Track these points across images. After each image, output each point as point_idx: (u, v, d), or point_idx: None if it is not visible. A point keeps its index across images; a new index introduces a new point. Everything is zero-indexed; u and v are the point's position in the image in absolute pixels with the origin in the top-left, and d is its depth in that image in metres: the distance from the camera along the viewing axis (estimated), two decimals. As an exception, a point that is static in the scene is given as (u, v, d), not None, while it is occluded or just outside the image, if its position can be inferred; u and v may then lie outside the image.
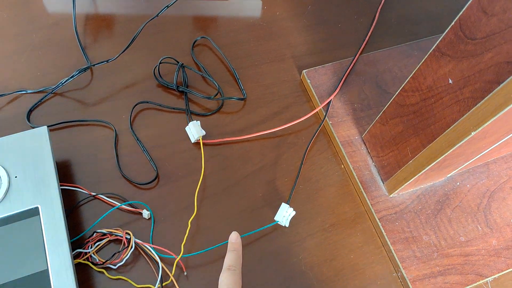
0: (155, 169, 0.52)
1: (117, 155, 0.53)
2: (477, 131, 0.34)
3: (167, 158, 0.53)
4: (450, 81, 0.35)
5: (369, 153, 0.53)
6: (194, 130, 0.53)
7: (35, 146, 0.48)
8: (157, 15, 0.57)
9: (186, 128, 0.54)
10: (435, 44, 0.36)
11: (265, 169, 0.53)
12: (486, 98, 0.32)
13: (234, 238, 0.42)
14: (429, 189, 0.51)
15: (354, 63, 0.59)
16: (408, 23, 0.66)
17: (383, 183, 0.51)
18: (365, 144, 0.54)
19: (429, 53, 0.37)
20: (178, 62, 0.57)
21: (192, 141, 0.54)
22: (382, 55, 0.60)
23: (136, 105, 0.56)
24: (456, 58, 0.34)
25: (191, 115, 0.56)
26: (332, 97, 0.56)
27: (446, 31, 0.34)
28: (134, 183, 0.51)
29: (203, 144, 0.54)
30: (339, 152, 0.54)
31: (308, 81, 0.58)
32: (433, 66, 0.37)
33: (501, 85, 0.30)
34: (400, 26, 0.66)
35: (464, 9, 0.32)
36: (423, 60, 0.38)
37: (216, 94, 0.57)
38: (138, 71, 0.59)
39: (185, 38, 0.62)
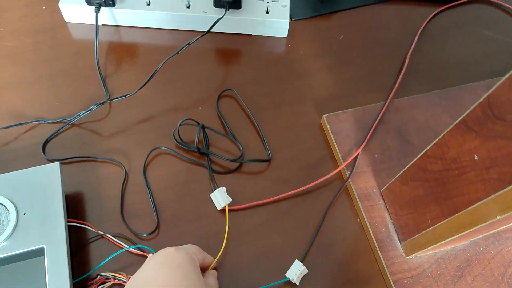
0: (156, 220, 0.50)
1: (122, 197, 0.52)
2: (504, 215, 0.31)
3: (176, 200, 0.52)
4: (476, 158, 0.33)
5: (387, 209, 0.51)
6: (220, 198, 0.51)
7: (46, 182, 0.47)
8: (177, 53, 0.57)
9: (211, 195, 0.52)
10: (462, 117, 0.34)
11: (279, 218, 0.52)
12: (515, 185, 0.29)
13: None
14: (449, 253, 0.48)
15: (380, 111, 0.57)
16: (437, 68, 0.63)
17: (400, 243, 0.49)
18: (383, 199, 0.51)
19: (454, 124, 0.35)
20: (198, 124, 0.55)
21: (218, 209, 0.51)
22: (408, 102, 0.58)
23: (153, 150, 0.55)
24: (483, 135, 0.32)
25: (213, 175, 0.54)
26: (357, 152, 0.53)
27: (474, 106, 0.32)
28: (134, 233, 0.50)
29: (230, 210, 0.51)
30: (356, 204, 0.52)
31: (328, 126, 0.56)
32: (458, 138, 0.35)
33: (532, 176, 0.28)
34: (428, 72, 0.63)
35: (494, 87, 0.30)
36: (447, 130, 0.36)
37: (240, 157, 0.55)
38: (156, 107, 0.58)
39: (206, 74, 0.61)
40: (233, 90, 0.60)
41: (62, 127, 0.56)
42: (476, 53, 0.65)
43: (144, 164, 0.54)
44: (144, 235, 0.50)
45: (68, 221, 0.49)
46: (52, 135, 0.55)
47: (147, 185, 0.53)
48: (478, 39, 0.67)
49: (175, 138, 0.55)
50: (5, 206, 0.45)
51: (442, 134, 0.37)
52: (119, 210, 0.51)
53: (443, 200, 0.38)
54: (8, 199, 0.46)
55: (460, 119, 0.34)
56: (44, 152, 0.54)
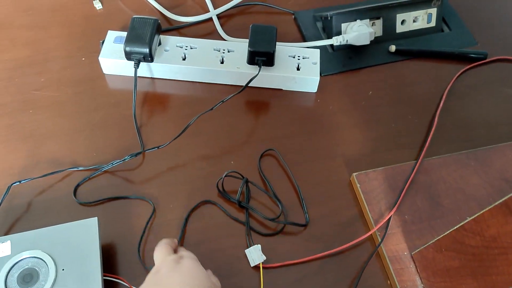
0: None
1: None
2: (546, 302, 0.31)
3: (210, 254, 0.53)
4: (518, 241, 0.33)
5: (418, 272, 0.51)
6: (255, 255, 0.52)
7: (84, 237, 0.48)
8: (211, 109, 0.59)
9: (246, 251, 0.53)
10: (503, 199, 0.34)
11: (311, 279, 0.52)
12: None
13: None
14: (481, 321, 0.48)
15: (411, 172, 0.58)
16: (464, 128, 0.64)
17: (432, 309, 0.49)
18: (414, 262, 0.51)
19: (495, 204, 0.35)
20: (243, 177, 0.56)
21: (251, 265, 0.52)
22: (437, 162, 0.59)
23: (198, 203, 0.56)
24: (527, 221, 0.32)
25: (250, 231, 0.55)
26: (389, 215, 0.54)
27: (517, 191, 0.33)
28: None
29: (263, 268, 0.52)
30: (386, 267, 0.52)
31: (358, 185, 0.57)
32: (499, 218, 0.35)
33: None
34: (456, 131, 0.64)
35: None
36: (487, 208, 0.36)
37: (279, 216, 0.55)
38: (187, 158, 0.59)
39: (237, 127, 0.63)
40: (274, 150, 0.61)
41: (95, 173, 0.57)
42: (502, 113, 0.66)
43: (186, 218, 0.55)
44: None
45: (103, 276, 0.50)
46: (84, 179, 0.56)
47: (180, 238, 0.54)
48: (505, 98, 0.67)
49: (218, 188, 0.57)
50: (44, 261, 0.46)
51: (481, 212, 0.37)
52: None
53: (481, 276, 0.39)
54: (48, 254, 0.47)
55: (502, 200, 0.35)
56: (75, 196, 0.55)
